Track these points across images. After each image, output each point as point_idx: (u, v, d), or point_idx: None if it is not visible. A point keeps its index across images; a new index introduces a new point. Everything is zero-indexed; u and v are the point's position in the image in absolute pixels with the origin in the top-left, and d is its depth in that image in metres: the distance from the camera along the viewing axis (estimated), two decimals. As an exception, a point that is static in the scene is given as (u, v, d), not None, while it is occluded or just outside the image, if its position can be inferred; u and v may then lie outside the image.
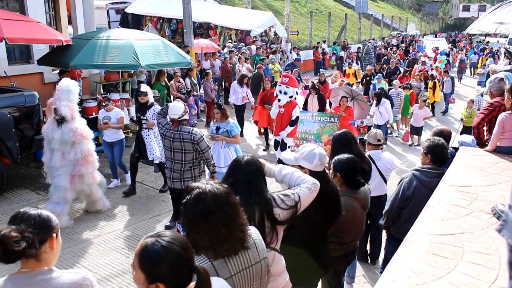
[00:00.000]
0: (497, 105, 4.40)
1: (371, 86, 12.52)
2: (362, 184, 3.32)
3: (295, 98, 7.71)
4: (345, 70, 16.08)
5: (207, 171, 5.35)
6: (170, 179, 5.14)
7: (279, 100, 7.37)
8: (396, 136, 11.28)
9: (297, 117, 7.50)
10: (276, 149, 7.88)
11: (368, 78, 13.37)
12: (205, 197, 1.89)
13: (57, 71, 9.26)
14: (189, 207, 1.90)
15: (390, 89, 11.97)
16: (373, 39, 29.84)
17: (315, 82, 10.60)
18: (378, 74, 12.91)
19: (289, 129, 7.47)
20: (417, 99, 11.29)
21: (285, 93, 7.31)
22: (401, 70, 15.54)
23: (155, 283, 1.54)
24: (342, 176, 3.27)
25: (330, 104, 9.89)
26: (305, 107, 9.49)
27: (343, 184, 3.29)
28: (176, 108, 4.94)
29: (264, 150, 9.49)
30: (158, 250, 1.54)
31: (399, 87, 11.47)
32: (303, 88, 11.99)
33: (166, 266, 1.53)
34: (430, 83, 13.29)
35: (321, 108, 9.19)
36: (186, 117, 5.04)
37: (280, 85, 7.39)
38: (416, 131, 10.59)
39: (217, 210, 1.88)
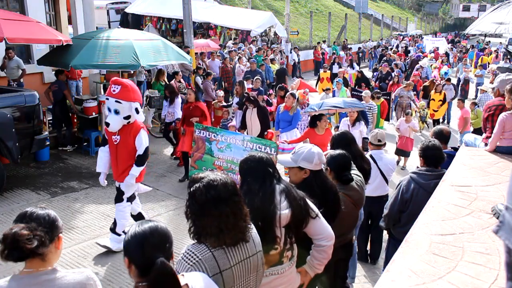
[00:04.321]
0: (494, 107, 4.48)
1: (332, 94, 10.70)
2: (350, 180, 3.33)
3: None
4: (319, 74, 14.55)
5: None
6: None
7: (107, 125, 4.63)
8: None
9: (147, 149, 4.77)
10: (116, 201, 5.07)
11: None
12: (217, 185, 1.99)
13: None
14: (198, 194, 1.98)
15: (355, 94, 10.14)
16: (381, 39, 29.86)
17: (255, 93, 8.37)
18: (339, 79, 11.36)
19: (135, 170, 4.74)
20: (408, 111, 9.46)
21: (116, 112, 4.52)
22: (393, 75, 13.72)
23: (125, 256, 1.72)
24: (332, 170, 3.29)
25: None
26: (243, 125, 7.56)
27: (334, 179, 3.31)
28: None
29: (180, 180, 7.36)
30: (135, 227, 1.75)
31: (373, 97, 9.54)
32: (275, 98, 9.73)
33: (133, 241, 1.71)
34: (439, 95, 11.43)
35: (264, 125, 7.25)
36: None
37: (108, 98, 4.62)
38: (403, 151, 8.69)
39: (227, 198, 1.99)
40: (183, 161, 7.60)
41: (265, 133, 7.19)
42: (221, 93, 9.70)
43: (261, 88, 9.84)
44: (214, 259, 1.96)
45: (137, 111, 4.64)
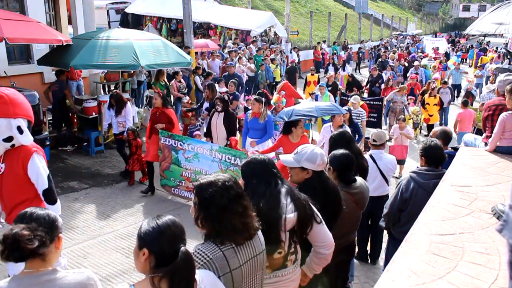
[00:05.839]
0: (494, 107, 4.48)
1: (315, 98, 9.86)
2: (353, 180, 3.33)
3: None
4: (306, 77, 13.40)
5: None
6: None
7: None
8: None
9: (50, 179, 3.52)
10: None
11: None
12: (232, 184, 2.06)
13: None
14: (218, 197, 2.00)
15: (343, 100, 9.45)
16: (381, 39, 29.84)
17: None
18: (322, 83, 10.67)
19: (55, 210, 3.45)
20: (400, 117, 8.91)
21: None
22: (384, 78, 13.03)
23: (143, 248, 1.73)
24: (335, 170, 3.29)
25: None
26: (208, 132, 7.04)
27: (336, 178, 3.31)
28: None
29: (142, 192, 6.72)
30: (153, 220, 1.79)
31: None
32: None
33: (156, 232, 1.74)
34: (434, 99, 10.68)
35: (229, 133, 6.72)
36: None
37: None
38: (398, 159, 7.47)
39: (243, 194, 2.10)
40: (148, 171, 6.86)
41: (227, 142, 6.69)
42: (185, 99, 8.97)
43: (236, 93, 9.00)
44: (225, 259, 1.98)
45: (20, 131, 3.34)
